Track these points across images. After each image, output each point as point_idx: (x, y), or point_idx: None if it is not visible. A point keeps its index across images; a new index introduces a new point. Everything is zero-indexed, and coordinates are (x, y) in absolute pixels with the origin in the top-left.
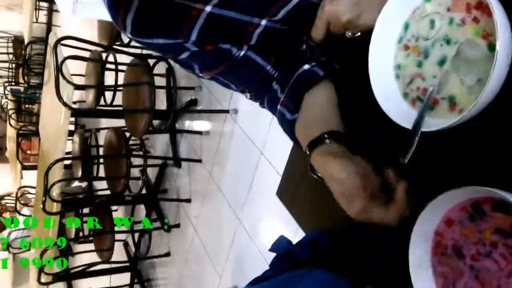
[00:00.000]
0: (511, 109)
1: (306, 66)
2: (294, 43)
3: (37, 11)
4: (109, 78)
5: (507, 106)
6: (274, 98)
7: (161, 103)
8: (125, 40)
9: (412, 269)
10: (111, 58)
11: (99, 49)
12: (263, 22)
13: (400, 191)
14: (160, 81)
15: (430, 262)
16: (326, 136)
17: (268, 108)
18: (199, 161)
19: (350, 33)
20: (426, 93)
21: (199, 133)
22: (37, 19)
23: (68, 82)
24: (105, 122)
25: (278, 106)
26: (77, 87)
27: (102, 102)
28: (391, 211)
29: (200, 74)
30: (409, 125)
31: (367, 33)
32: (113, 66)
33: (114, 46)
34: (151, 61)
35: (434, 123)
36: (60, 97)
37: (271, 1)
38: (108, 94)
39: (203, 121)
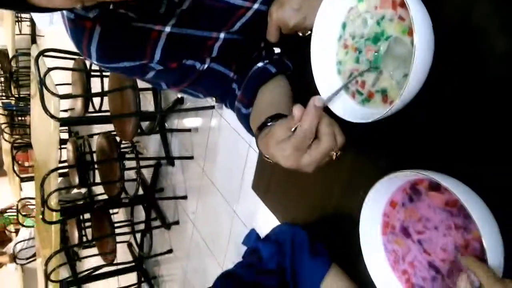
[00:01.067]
0: (436, 99)
1: (260, 64)
2: (252, 48)
3: (19, 23)
4: (96, 84)
5: (432, 96)
6: (234, 96)
7: (149, 105)
8: None
9: (365, 249)
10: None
11: (82, 57)
12: (222, 35)
13: (322, 126)
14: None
15: (381, 241)
16: (269, 119)
17: (230, 107)
18: (191, 157)
19: (300, 33)
20: (364, 87)
21: (188, 130)
22: (20, 31)
23: (52, 93)
24: (97, 128)
25: (235, 102)
26: (62, 97)
27: (92, 108)
28: (313, 150)
29: (168, 89)
30: (351, 118)
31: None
32: (98, 73)
33: None
34: None
35: (370, 113)
36: (45, 109)
37: (226, 16)
38: (97, 100)
39: (191, 118)
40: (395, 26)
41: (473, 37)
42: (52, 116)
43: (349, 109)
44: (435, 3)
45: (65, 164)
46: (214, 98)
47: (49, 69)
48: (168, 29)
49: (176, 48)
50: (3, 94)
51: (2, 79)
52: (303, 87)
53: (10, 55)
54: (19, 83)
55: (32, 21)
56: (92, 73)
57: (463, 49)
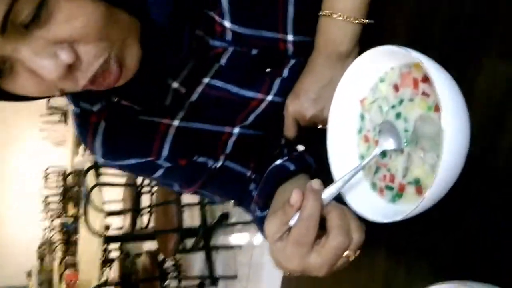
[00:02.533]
0: (479, 187)
1: (278, 162)
2: (271, 144)
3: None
4: (147, 201)
5: (475, 183)
6: (251, 199)
7: (196, 220)
8: None
9: None
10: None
11: None
12: (236, 130)
13: (332, 217)
14: (193, 198)
15: None
16: None
17: (246, 210)
18: (235, 277)
19: (320, 126)
20: (394, 180)
21: (233, 247)
22: (84, 152)
23: (98, 210)
24: (147, 245)
25: (251, 205)
26: (107, 214)
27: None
28: (321, 247)
29: (181, 191)
30: (380, 218)
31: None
32: (148, 188)
33: None
34: None
35: (402, 210)
36: (89, 225)
37: (238, 108)
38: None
39: (235, 234)
40: (419, 104)
41: None
42: (94, 233)
43: (378, 209)
44: (468, 76)
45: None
46: (232, 201)
47: (94, 186)
48: (176, 123)
49: (186, 143)
50: (61, 213)
51: (62, 198)
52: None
53: (69, 175)
54: (75, 202)
55: None
56: (142, 190)
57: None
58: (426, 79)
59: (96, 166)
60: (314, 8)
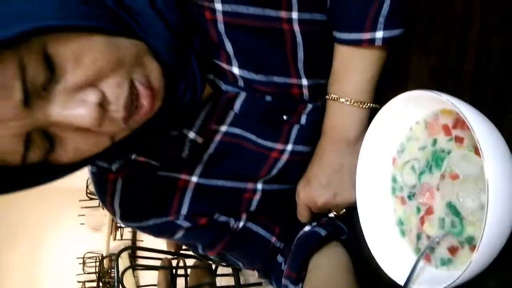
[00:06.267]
0: None
1: (307, 228)
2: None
3: (121, 229)
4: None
5: None
6: (279, 272)
7: None
8: None
9: None
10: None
11: (169, 256)
12: (259, 185)
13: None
14: (229, 280)
15: None
16: None
17: (276, 285)
18: None
19: (334, 212)
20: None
21: None
22: (121, 236)
23: None
24: None
25: (282, 280)
26: None
27: None
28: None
29: (205, 253)
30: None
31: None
32: (183, 271)
33: (182, 251)
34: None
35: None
36: None
37: (259, 160)
38: None
39: None
40: (455, 149)
41: None
42: None
43: (426, 277)
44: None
45: None
46: (257, 271)
47: (127, 268)
48: (195, 179)
49: (206, 201)
50: None
51: (101, 283)
52: (364, 256)
53: (105, 260)
54: (112, 285)
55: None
56: (178, 273)
57: None
58: (458, 124)
59: (131, 248)
60: (325, 50)
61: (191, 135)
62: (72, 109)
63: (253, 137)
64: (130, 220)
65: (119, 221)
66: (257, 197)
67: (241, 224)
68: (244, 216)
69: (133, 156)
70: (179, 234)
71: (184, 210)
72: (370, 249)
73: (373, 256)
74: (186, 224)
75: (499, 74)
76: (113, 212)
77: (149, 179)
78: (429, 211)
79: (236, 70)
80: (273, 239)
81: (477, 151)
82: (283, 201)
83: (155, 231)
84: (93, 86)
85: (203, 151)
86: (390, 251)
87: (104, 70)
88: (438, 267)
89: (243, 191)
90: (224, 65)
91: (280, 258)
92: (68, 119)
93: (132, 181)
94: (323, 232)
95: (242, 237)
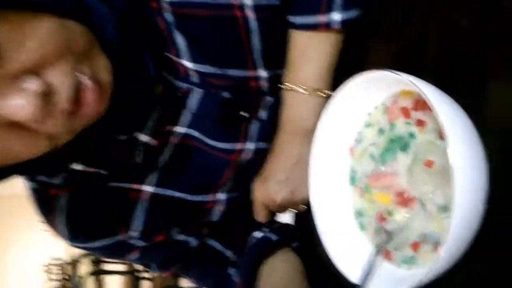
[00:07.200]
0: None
1: (257, 233)
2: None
3: None
4: None
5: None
6: (230, 285)
7: None
8: None
9: None
10: None
11: None
12: (220, 196)
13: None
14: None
15: None
16: None
17: None
18: None
19: (294, 210)
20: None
21: None
22: None
23: None
24: None
25: None
26: None
27: None
28: None
29: (159, 273)
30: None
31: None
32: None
33: None
34: None
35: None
36: None
37: (218, 165)
38: None
39: None
40: (419, 136)
41: None
42: None
43: (387, 276)
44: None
45: None
46: None
47: (88, 275)
48: (150, 188)
49: (162, 215)
50: None
51: None
52: (316, 260)
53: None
54: None
55: None
56: (143, 276)
57: None
58: (418, 106)
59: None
60: (283, 39)
61: (143, 138)
62: (10, 99)
63: (211, 142)
64: (79, 242)
65: (69, 243)
66: (220, 207)
67: (199, 243)
68: (204, 231)
69: (80, 167)
70: (135, 255)
71: (139, 225)
72: (324, 244)
73: (331, 260)
74: (140, 243)
75: (464, 57)
76: (60, 233)
77: (99, 193)
78: (390, 201)
79: (188, 63)
80: (228, 253)
81: (442, 137)
82: (245, 214)
83: (108, 253)
84: (36, 73)
85: (158, 156)
86: (347, 247)
87: (50, 56)
88: (400, 265)
89: (202, 204)
90: (175, 58)
91: (231, 270)
92: (3, 110)
93: (79, 196)
94: (274, 238)
95: (199, 254)
